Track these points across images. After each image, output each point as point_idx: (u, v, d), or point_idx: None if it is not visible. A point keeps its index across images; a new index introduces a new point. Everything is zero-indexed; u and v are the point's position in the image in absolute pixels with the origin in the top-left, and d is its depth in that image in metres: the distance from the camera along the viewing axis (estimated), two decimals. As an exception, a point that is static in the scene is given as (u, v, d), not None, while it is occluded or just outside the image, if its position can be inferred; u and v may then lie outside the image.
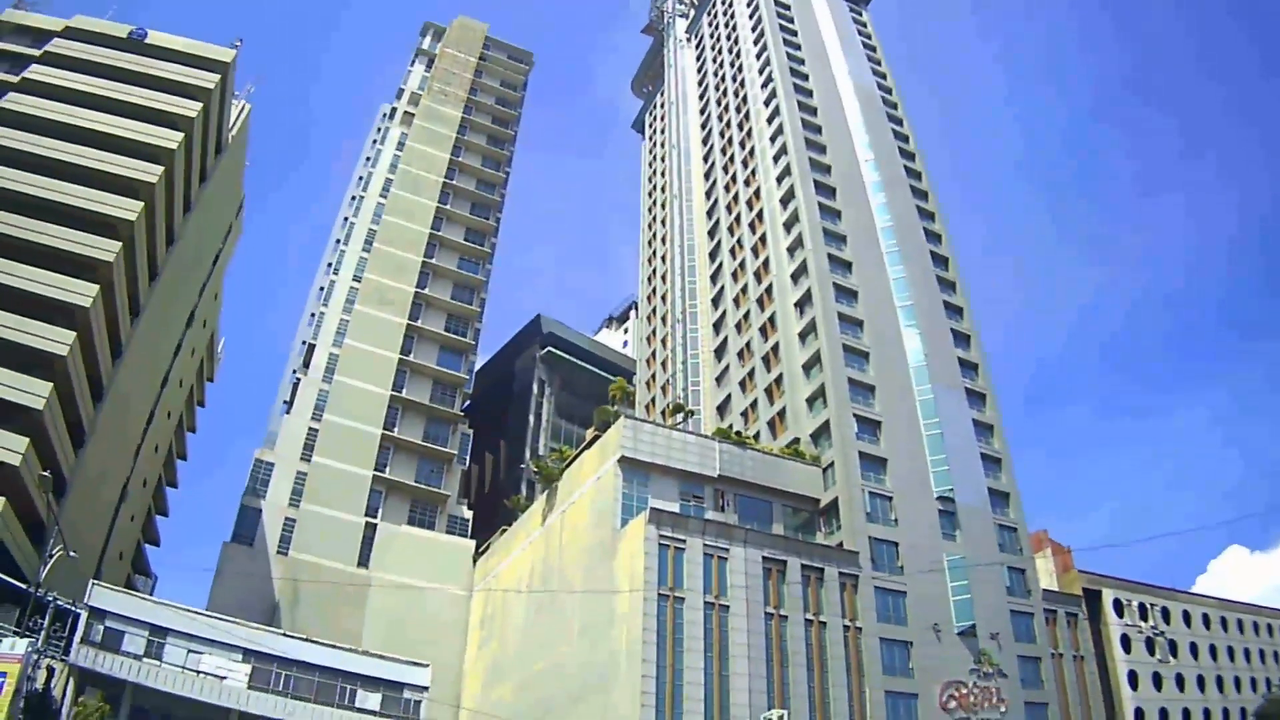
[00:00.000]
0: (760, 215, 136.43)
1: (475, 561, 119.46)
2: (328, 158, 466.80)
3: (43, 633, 57.15)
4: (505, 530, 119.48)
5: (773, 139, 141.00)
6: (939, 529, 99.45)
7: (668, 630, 79.88)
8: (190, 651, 74.18)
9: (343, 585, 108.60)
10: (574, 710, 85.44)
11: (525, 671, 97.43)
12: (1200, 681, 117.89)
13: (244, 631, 78.04)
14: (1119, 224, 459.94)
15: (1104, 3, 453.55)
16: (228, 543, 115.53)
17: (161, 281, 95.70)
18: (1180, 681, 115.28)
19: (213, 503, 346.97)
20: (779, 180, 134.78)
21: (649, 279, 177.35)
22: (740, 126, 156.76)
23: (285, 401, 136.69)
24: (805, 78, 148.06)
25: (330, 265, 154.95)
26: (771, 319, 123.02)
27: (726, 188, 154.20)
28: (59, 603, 62.33)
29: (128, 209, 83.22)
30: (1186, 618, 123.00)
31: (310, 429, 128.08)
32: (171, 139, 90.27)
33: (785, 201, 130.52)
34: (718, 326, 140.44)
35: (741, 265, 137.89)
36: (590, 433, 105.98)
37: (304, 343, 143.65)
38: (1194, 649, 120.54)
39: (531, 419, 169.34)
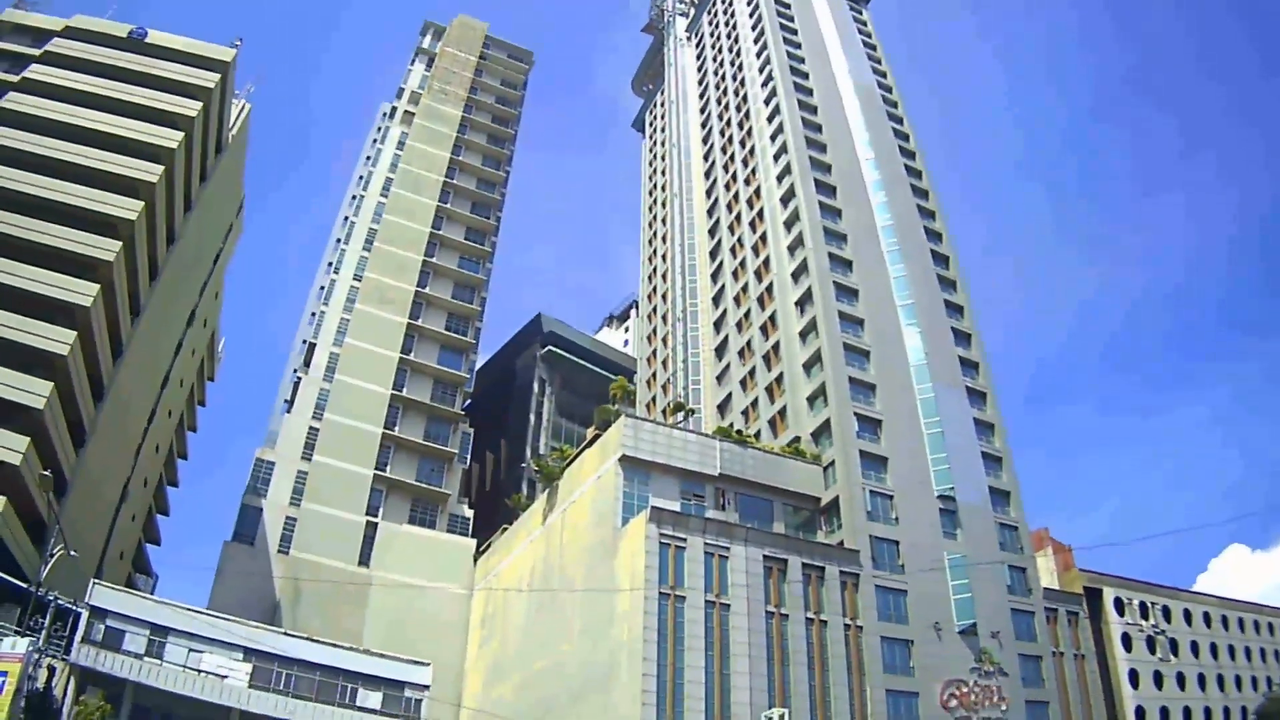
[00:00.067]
0: (761, 214, 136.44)
1: (476, 560, 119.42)
2: (328, 157, 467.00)
3: (44, 632, 57.22)
4: (506, 529, 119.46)
5: (773, 137, 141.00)
6: (940, 527, 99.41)
7: (668, 629, 79.88)
8: (191, 650, 74.25)
9: (343, 584, 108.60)
10: (575, 709, 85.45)
11: (526, 670, 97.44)
12: (1201, 680, 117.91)
13: (245, 630, 78.06)
14: (1119, 223, 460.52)
15: (1104, 2, 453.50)
16: (228, 542, 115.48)
17: (162, 281, 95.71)
18: (1181, 680, 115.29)
19: (213, 502, 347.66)
20: (779, 179, 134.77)
21: (649, 277, 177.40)
22: (740, 125, 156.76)
23: (286, 400, 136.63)
24: (805, 76, 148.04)
25: (331, 264, 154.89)
26: (772, 317, 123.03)
27: (727, 186, 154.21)
28: (60, 602, 62.38)
29: (128, 208, 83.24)
30: (1188, 616, 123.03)
31: (311, 428, 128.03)
32: (172, 138, 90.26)
33: (786, 200, 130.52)
34: (718, 325, 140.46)
35: (742, 264, 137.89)
36: (591, 431, 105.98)
37: (305, 342, 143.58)
38: (1195, 647, 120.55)
39: (532, 418, 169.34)
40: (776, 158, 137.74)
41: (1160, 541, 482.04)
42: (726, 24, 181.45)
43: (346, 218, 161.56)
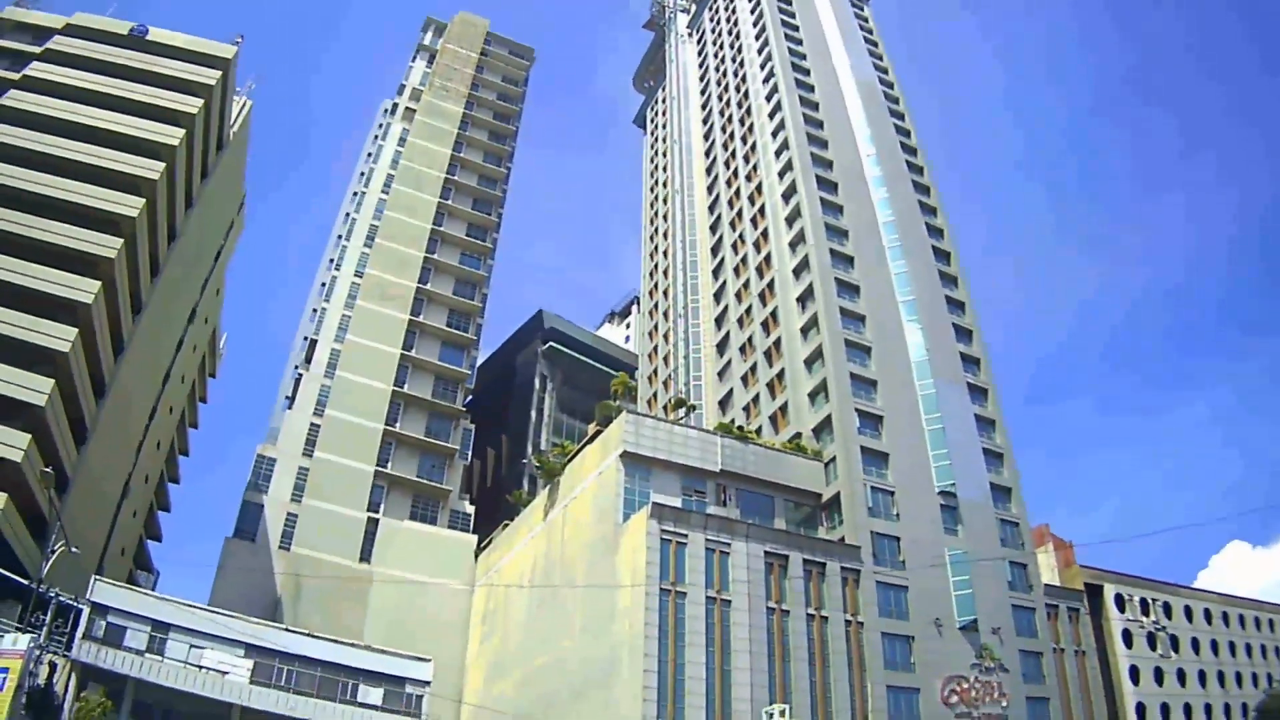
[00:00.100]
0: (762, 210, 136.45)
1: (477, 557, 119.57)
2: (329, 154, 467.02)
3: (45, 628, 57.31)
4: (507, 525, 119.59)
5: (774, 134, 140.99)
6: (941, 524, 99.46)
7: (669, 625, 79.97)
8: (192, 647, 74.18)
9: (344, 580, 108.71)
10: (576, 705, 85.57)
11: (527, 666, 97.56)
12: (1202, 677, 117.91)
13: (246, 627, 78.06)
14: (1119, 222, 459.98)
15: (1104, 2, 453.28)
16: (230, 538, 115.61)
17: (163, 278, 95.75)
18: (1182, 676, 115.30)
19: (215, 498, 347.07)
20: (781, 175, 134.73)
21: (650, 274, 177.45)
22: (742, 121, 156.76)
23: (287, 397, 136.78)
24: (807, 72, 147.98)
25: (332, 261, 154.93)
26: (773, 314, 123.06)
27: (728, 183, 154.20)
28: (61, 598, 62.41)
29: (129, 205, 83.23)
30: (1188, 613, 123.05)
31: (312, 424, 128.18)
32: (173, 135, 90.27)
33: (787, 196, 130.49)
34: (719, 321, 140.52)
35: (743, 260, 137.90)
36: (592, 428, 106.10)
37: (306, 338, 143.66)
38: (1195, 644, 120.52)
39: (533, 414, 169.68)
40: (778, 154, 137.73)
41: (1161, 538, 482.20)
42: (728, 20, 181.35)
43: (348, 214, 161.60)
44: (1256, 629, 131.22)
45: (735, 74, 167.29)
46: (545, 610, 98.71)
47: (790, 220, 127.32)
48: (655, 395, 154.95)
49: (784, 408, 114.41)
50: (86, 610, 69.38)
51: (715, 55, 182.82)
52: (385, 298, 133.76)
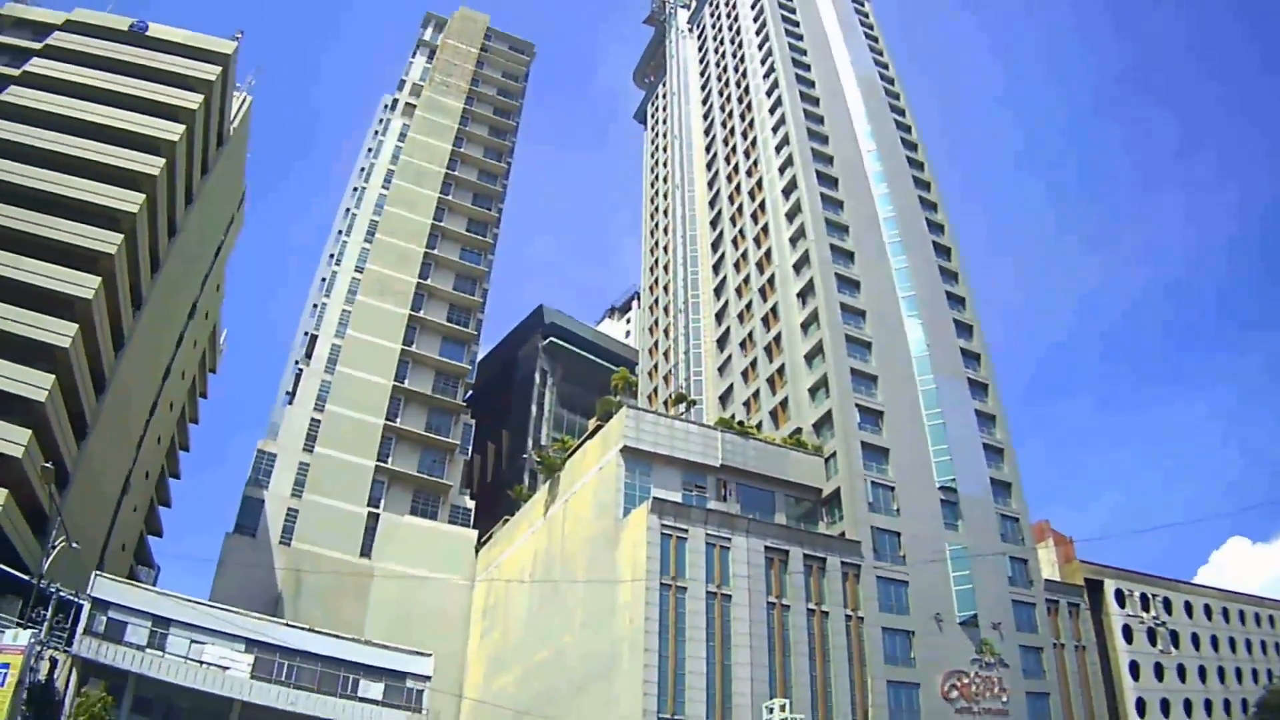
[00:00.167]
0: (762, 205, 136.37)
1: (477, 551, 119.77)
2: (330, 150, 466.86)
3: (45, 624, 57.22)
4: (507, 520, 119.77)
5: (775, 129, 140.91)
6: (941, 519, 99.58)
7: (670, 620, 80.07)
8: (193, 642, 74.25)
9: (345, 575, 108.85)
10: (576, 700, 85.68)
11: (527, 661, 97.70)
12: (1202, 672, 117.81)
13: (247, 622, 78.11)
14: (1119, 218, 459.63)
15: (1104, 1, 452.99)
16: (230, 533, 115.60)
17: (163, 273, 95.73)
18: (1182, 672, 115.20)
19: (215, 494, 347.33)
20: (781, 170, 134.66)
21: (651, 269, 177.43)
22: (742, 116, 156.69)
23: (288, 392, 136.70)
24: (807, 68, 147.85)
25: (332, 256, 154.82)
26: (774, 309, 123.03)
27: (729, 178, 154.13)
28: (62, 594, 62.39)
29: (129, 201, 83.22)
30: (1188, 608, 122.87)
31: (313, 420, 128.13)
32: (173, 131, 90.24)
33: (787, 192, 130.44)
34: (720, 316, 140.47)
35: (744, 255, 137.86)
36: (593, 423, 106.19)
37: (306, 334, 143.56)
38: (1195, 640, 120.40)
39: (534, 409, 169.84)
40: (778, 149, 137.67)
41: (1161, 534, 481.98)
42: (728, 15, 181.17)
43: (348, 210, 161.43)
44: (1257, 625, 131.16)
45: (736, 69, 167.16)
46: (546, 605, 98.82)
47: (791, 215, 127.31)
48: (656, 390, 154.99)
49: (784, 403, 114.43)
50: (87, 606, 69.51)
51: (716, 50, 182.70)
52: (385, 293, 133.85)
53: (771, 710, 72.53)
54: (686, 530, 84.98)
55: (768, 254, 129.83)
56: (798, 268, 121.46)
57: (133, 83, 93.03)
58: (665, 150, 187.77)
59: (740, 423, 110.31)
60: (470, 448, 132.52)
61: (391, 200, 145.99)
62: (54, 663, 65.19)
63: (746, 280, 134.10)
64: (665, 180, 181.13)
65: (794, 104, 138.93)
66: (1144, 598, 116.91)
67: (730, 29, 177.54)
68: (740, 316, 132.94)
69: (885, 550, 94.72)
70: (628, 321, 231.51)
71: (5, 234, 77.98)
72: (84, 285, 76.75)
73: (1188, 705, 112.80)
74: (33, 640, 53.14)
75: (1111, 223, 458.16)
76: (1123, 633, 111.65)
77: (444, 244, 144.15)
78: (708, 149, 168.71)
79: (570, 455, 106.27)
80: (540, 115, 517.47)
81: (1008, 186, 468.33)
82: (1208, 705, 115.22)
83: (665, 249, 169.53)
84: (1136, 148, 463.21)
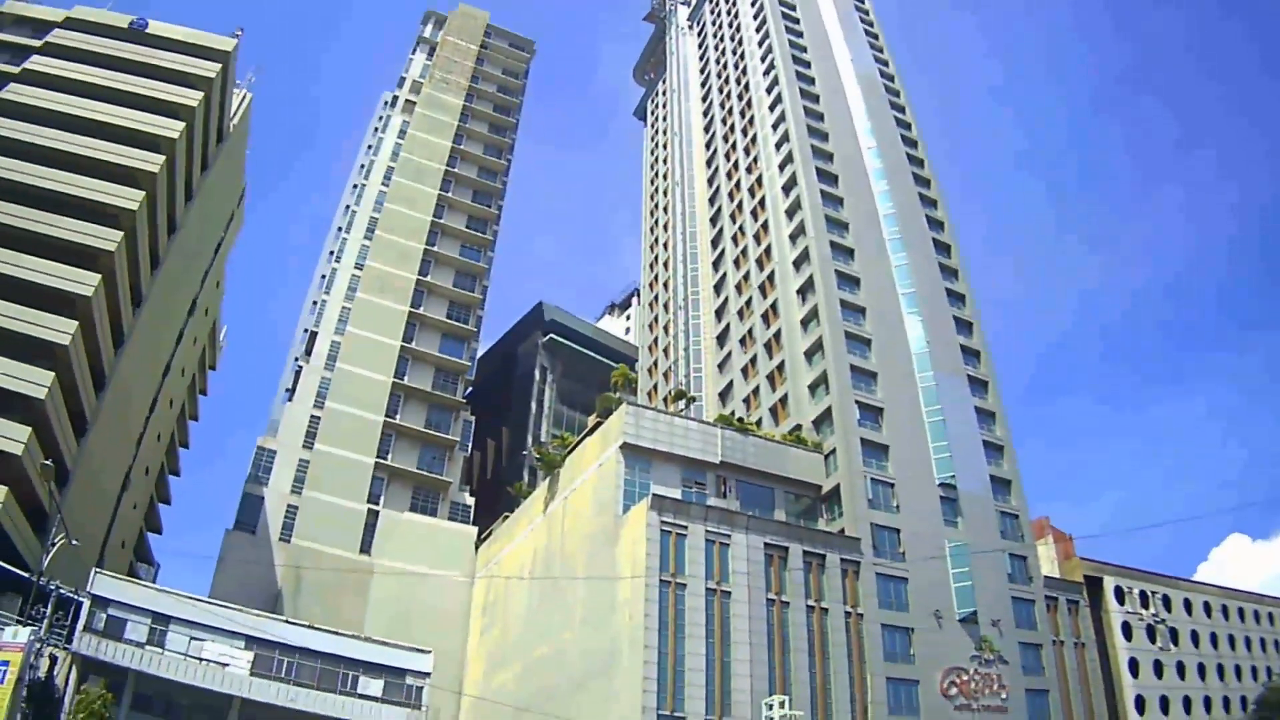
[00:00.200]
0: (762, 202, 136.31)
1: (477, 548, 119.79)
2: (330, 147, 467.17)
3: (45, 621, 57.31)
4: (507, 517, 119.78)
5: (775, 126, 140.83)
6: (941, 515, 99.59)
7: (669, 616, 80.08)
8: (193, 639, 74.49)
9: (345, 572, 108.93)
10: (576, 696, 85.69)
11: (527, 658, 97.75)
12: (1201, 669, 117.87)
13: (246, 619, 78.32)
14: (1119, 216, 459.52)
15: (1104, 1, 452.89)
16: (230, 530, 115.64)
17: (163, 270, 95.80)
18: (1181, 669, 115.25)
19: (215, 490, 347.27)
20: (781, 167, 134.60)
21: (651, 265, 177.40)
22: (742, 113, 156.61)
23: (287, 389, 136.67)
24: (807, 64, 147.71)
25: (332, 253, 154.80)
26: (774, 306, 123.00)
27: (729, 174, 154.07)
28: (61, 591, 62.44)
29: (129, 198, 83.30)
30: (1188, 606, 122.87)
31: (312, 416, 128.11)
32: (173, 128, 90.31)
33: (787, 188, 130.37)
34: (720, 313, 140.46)
35: (744, 252, 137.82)
36: (592, 419, 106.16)
37: (306, 330, 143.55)
38: (1195, 637, 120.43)
39: (533, 406, 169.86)
40: (778, 146, 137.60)
41: (1161, 531, 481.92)
42: (728, 12, 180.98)
43: (348, 206, 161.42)
44: (1256, 622, 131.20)
45: (736, 66, 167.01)
46: (545, 602, 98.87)
47: (790, 212, 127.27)
48: (655, 387, 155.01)
49: (784, 400, 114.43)
50: (87, 603, 69.72)
51: (716, 47, 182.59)
52: (385, 290, 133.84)
53: (771, 707, 72.49)
54: (686, 527, 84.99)
55: (767, 250, 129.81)
56: (798, 264, 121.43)
57: (133, 80, 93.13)
58: (665, 147, 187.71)
59: (740, 419, 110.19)
60: (470, 444, 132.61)
61: (391, 197, 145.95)
62: (54, 660, 65.36)
63: (746, 277, 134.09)
64: (665, 177, 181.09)
65: (794, 101, 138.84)
66: (1143, 595, 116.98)
67: (730, 26, 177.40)
68: (740, 313, 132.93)
69: (885, 547, 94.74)
70: (627, 318, 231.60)
71: (5, 231, 78.11)
72: (84, 283, 76.88)
73: (1187, 703, 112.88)
74: (32, 637, 53.13)
75: (1111, 221, 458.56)
76: (1122, 630, 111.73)
77: (444, 241, 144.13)
78: (708, 146, 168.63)
79: (570, 452, 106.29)
80: (540, 112, 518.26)
81: (1007, 184, 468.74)
82: (1207, 702, 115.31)
83: (665, 246, 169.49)
84: (1136, 146, 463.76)
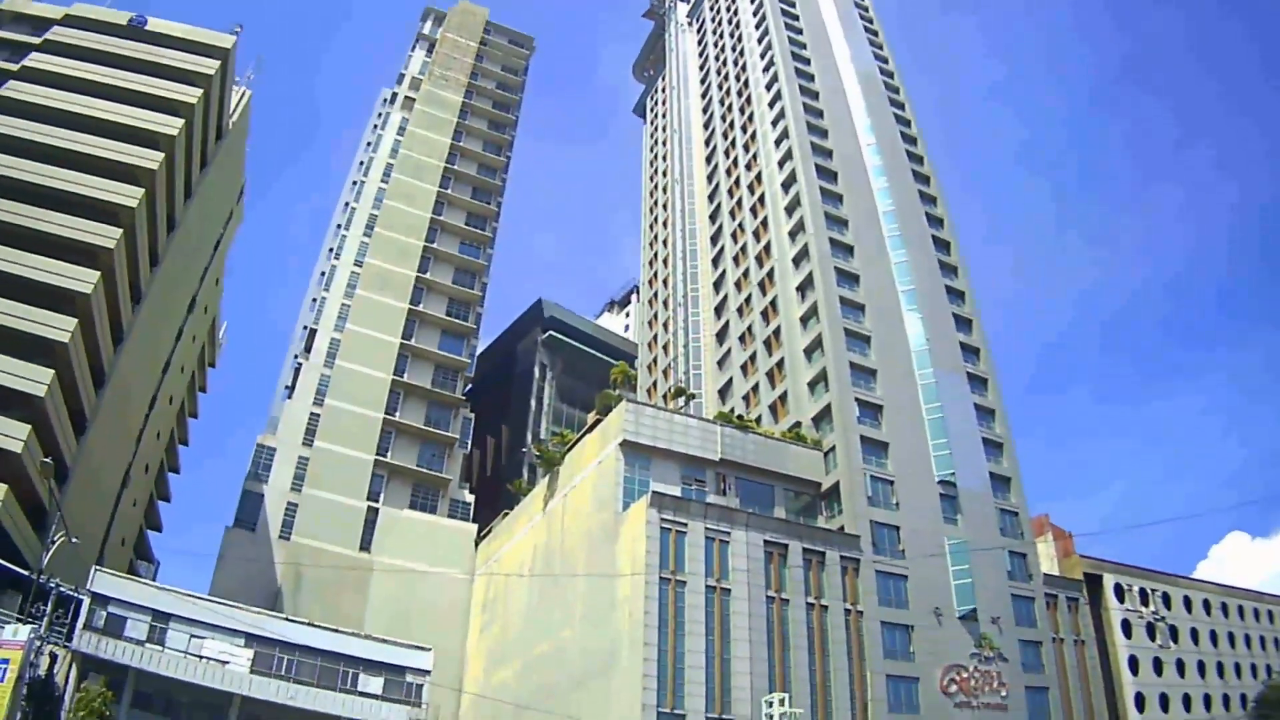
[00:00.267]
0: (762, 199, 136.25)
1: (477, 545, 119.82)
2: (330, 143, 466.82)
3: (45, 619, 57.33)
4: (507, 514, 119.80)
5: (774, 123, 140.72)
6: (940, 513, 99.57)
7: (669, 614, 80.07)
8: (193, 637, 74.46)
9: (345, 569, 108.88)
10: (576, 693, 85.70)
11: (527, 655, 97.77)
12: (1201, 667, 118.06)
13: (246, 616, 78.31)
14: (1118, 213, 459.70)
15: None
16: (230, 528, 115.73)
17: (162, 268, 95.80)
18: (1181, 667, 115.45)
19: (215, 488, 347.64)
20: (780, 164, 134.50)
21: (650, 263, 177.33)
22: (742, 110, 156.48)
23: (287, 387, 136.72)
24: (807, 61, 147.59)
25: (332, 250, 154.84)
26: (773, 303, 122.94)
27: (728, 172, 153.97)
28: (61, 589, 62.51)
29: (128, 195, 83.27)
30: (1187, 603, 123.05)
31: (312, 414, 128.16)
32: (172, 125, 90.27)
33: (787, 186, 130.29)
34: (719, 310, 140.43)
35: (743, 249, 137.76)
36: (592, 416, 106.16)
37: (305, 328, 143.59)
38: (1194, 635, 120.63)
39: (533, 403, 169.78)
40: (778, 143, 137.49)
41: (1160, 529, 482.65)
42: (728, 9, 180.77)
43: (347, 204, 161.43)
44: (1256, 620, 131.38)
45: (735, 63, 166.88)
46: (545, 599, 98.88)
47: (790, 209, 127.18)
48: (655, 384, 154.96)
49: (783, 397, 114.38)
50: (87, 600, 69.67)
51: (715, 44, 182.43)
52: (385, 287, 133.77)
53: (771, 704, 72.48)
54: (686, 524, 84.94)
55: (767, 248, 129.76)
56: (797, 261, 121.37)
57: (132, 77, 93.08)
58: (665, 144, 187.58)
59: (739, 416, 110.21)
60: (469, 442, 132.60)
61: (391, 194, 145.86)
62: (54, 658, 65.31)
63: (746, 274, 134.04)
64: (665, 174, 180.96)
65: (793, 98, 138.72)
66: (1143, 592, 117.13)
67: (730, 23, 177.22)
68: (740, 310, 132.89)
69: (884, 544, 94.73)
70: (627, 315, 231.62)
71: (5, 228, 78.11)
72: (83, 280, 76.89)
73: (1186, 700, 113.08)
74: (32, 635, 53.09)
75: (1111, 218, 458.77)
76: (1122, 627, 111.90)
77: (443, 238, 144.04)
78: (707, 143, 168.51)
79: (569, 449, 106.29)
80: (540, 109, 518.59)
81: (1007, 182, 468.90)
82: (1206, 700, 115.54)
83: (664, 243, 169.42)
84: (1136, 144, 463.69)
